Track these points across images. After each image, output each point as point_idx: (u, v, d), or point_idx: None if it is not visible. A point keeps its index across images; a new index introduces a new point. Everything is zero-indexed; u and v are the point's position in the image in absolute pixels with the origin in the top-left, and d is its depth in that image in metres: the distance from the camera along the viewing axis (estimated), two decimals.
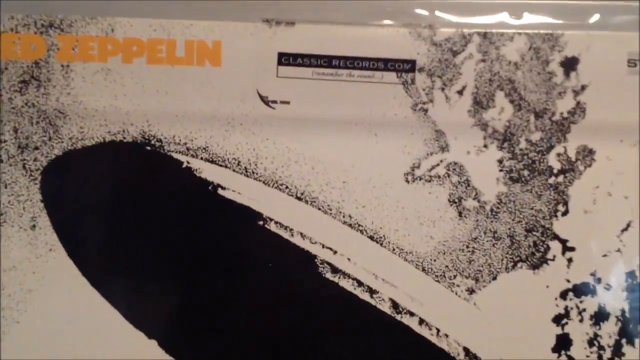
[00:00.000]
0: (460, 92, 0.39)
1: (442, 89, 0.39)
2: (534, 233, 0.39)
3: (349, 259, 0.39)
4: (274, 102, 0.39)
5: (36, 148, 0.40)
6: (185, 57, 0.38)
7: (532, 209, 0.39)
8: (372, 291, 0.39)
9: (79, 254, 0.40)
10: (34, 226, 0.40)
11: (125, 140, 0.39)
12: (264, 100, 0.39)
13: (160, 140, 0.39)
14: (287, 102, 0.38)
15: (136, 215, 0.40)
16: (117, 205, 0.40)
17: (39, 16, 0.39)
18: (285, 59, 0.38)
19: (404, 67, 0.38)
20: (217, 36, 0.38)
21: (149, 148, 0.39)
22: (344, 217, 0.39)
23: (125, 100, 0.39)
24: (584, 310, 0.39)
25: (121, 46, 0.39)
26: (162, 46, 0.38)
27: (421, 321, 0.39)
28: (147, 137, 0.39)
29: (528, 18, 0.39)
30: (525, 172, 0.39)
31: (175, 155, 0.39)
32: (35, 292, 0.40)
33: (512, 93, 0.38)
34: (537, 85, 0.38)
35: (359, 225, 0.39)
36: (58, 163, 0.40)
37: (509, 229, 0.39)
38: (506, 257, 0.39)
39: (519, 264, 0.39)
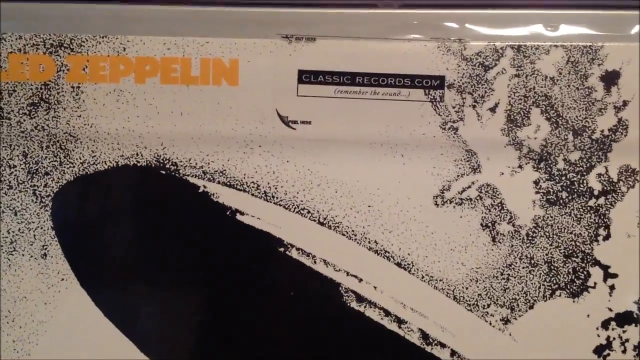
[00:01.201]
0: (492, 110, 0.37)
1: (474, 107, 0.37)
2: (574, 259, 0.38)
3: (375, 287, 0.38)
4: (295, 122, 0.38)
5: (46, 173, 0.39)
6: (200, 76, 0.38)
7: (571, 233, 0.38)
8: (400, 321, 0.38)
9: (92, 284, 0.39)
10: (44, 255, 0.39)
11: (139, 164, 0.39)
12: (284, 120, 0.38)
13: (176, 164, 0.39)
14: (308, 122, 0.38)
15: (151, 242, 0.39)
16: (131, 232, 0.39)
17: (47, 36, 0.38)
18: (306, 76, 0.37)
19: (432, 83, 0.37)
20: (234, 54, 0.38)
21: (163, 172, 0.39)
22: (369, 243, 0.38)
23: (138, 122, 0.38)
24: (627, 340, 0.38)
25: (134, 66, 0.38)
26: (176, 65, 0.38)
27: (453, 353, 0.38)
28: (161, 161, 0.39)
29: (565, 29, 0.37)
30: (564, 194, 0.38)
31: (191, 180, 0.38)
32: (47, 323, 0.39)
33: (548, 110, 0.37)
34: (576, 101, 0.37)
35: (386, 251, 0.38)
36: (69, 189, 0.39)
37: (547, 254, 0.38)
38: (544, 285, 0.38)
39: (558, 292, 0.38)
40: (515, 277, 0.38)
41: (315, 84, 0.37)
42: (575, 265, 0.38)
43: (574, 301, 0.38)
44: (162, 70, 0.38)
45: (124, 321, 0.39)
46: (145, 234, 0.39)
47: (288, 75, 0.37)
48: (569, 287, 0.38)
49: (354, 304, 0.38)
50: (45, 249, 0.39)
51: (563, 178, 0.38)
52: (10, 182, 0.39)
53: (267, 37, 0.37)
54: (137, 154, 0.39)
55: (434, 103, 0.37)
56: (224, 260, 0.39)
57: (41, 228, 0.39)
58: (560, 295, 0.38)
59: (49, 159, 0.39)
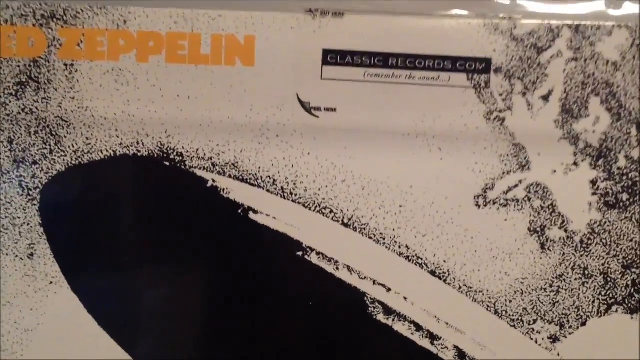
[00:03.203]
0: (545, 98, 0.35)
1: (524, 94, 0.35)
2: (633, 270, 0.35)
3: (405, 298, 0.36)
4: (318, 109, 0.36)
5: (35, 162, 0.37)
6: (211, 54, 0.36)
7: (631, 241, 0.35)
8: (433, 337, 0.36)
9: (84, 288, 0.37)
10: (31, 254, 0.37)
11: (139, 154, 0.37)
12: (306, 107, 0.36)
13: (181, 155, 0.37)
14: (333, 110, 0.36)
15: (153, 243, 0.37)
16: (129, 231, 0.37)
17: (38, 5, 0.36)
18: (332, 57, 0.35)
19: (477, 67, 0.35)
20: (250, 30, 0.35)
21: (167, 164, 0.37)
22: (400, 248, 0.36)
23: (139, 106, 0.36)
24: None
25: (135, 42, 0.36)
26: (184, 42, 0.36)
27: None
28: (165, 151, 0.37)
29: (630, 8, 0.35)
30: (624, 196, 0.35)
31: (199, 173, 0.36)
32: (34, 332, 0.37)
33: (609, 99, 0.35)
34: None
35: (418, 257, 0.36)
36: (60, 180, 0.37)
37: (603, 264, 0.36)
38: (598, 299, 0.36)
39: (614, 307, 0.36)
40: (566, 290, 0.36)
41: (341, 66, 0.35)
42: (635, 277, 0.35)
43: (632, 317, 0.35)
44: (167, 47, 0.36)
45: (120, 331, 0.37)
46: (145, 233, 0.37)
47: (311, 56, 0.35)
48: (627, 302, 0.35)
49: (381, 317, 0.36)
50: (32, 248, 0.37)
51: (624, 178, 0.35)
52: None
53: (289, 11, 0.35)
54: (138, 143, 0.37)
55: (478, 89, 0.35)
56: (235, 264, 0.37)
57: (28, 224, 0.37)
58: (616, 311, 0.35)
59: (38, 146, 0.37)
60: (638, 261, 0.35)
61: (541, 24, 0.34)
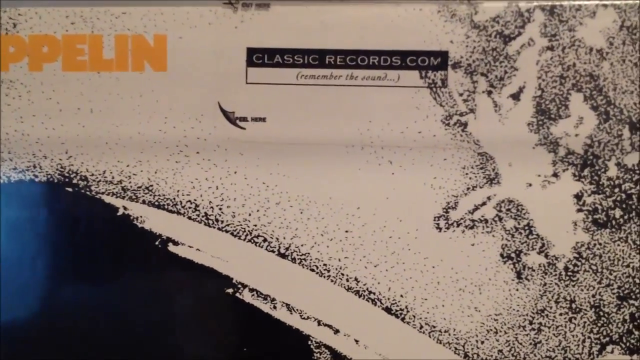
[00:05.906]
0: (516, 97, 0.33)
1: (489, 93, 0.33)
2: (631, 302, 0.33)
3: (356, 341, 0.34)
4: (244, 119, 0.34)
5: None
6: (116, 59, 0.34)
7: (627, 266, 0.33)
8: None
9: None
10: None
11: (37, 180, 0.35)
12: (230, 117, 0.34)
13: (86, 179, 0.34)
14: (262, 119, 0.34)
15: (58, 287, 0.34)
16: (30, 274, 0.34)
17: None
18: (258, 57, 0.33)
19: (432, 62, 0.33)
20: (160, 29, 0.34)
21: (70, 189, 0.34)
22: (347, 281, 0.34)
23: (35, 123, 0.34)
24: None
25: (27, 47, 0.34)
26: (83, 45, 0.34)
27: None
28: (67, 174, 0.35)
29: None
30: (617, 213, 0.33)
31: (108, 199, 0.35)
32: None
33: (594, 95, 0.33)
34: (633, 82, 0.33)
35: (370, 292, 0.34)
36: None
37: (593, 296, 0.33)
38: (589, 338, 0.33)
39: (609, 347, 0.33)
40: (549, 327, 0.33)
41: (270, 67, 0.33)
42: (634, 310, 0.33)
43: (632, 359, 0.33)
44: (64, 52, 0.34)
45: None
46: (47, 273, 0.34)
47: (234, 56, 0.33)
48: (624, 341, 0.33)
49: None
50: None
51: (616, 190, 0.33)
52: None
53: (205, 4, 0.33)
54: (35, 166, 0.35)
55: (434, 89, 0.33)
56: (154, 305, 0.34)
57: None
58: (612, 352, 0.33)
59: None
60: (636, 290, 0.32)
61: (507, 6, 0.32)
